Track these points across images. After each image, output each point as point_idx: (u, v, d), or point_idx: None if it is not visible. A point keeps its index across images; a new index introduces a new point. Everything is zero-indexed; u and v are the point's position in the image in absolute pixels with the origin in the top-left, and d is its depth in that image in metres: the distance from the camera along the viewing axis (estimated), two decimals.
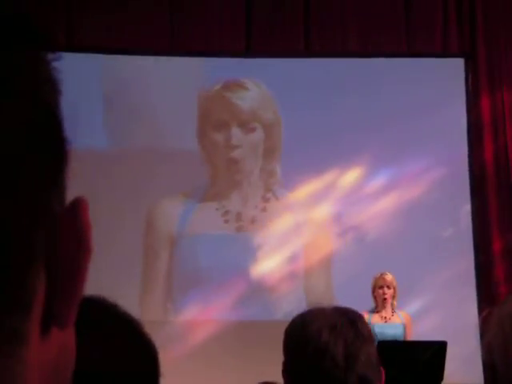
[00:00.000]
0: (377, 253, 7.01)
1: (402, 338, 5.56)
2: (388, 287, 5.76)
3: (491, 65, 7.63)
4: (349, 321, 1.65)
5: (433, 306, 7.08)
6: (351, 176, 7.40)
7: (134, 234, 7.06)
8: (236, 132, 7.41)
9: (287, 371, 1.68)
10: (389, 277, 5.80)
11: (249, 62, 7.60)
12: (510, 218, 7.35)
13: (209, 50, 7.47)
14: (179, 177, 7.21)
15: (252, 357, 6.71)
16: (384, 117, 7.33)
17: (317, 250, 7.23)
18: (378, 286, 5.79)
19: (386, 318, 5.64)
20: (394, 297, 5.80)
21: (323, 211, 7.31)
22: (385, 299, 5.74)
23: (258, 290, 7.10)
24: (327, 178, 7.36)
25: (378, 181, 7.39)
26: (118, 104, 7.29)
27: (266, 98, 7.49)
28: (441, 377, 4.86)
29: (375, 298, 5.80)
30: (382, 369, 1.67)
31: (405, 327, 5.74)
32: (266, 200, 7.38)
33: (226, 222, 7.29)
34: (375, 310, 5.73)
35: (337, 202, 7.35)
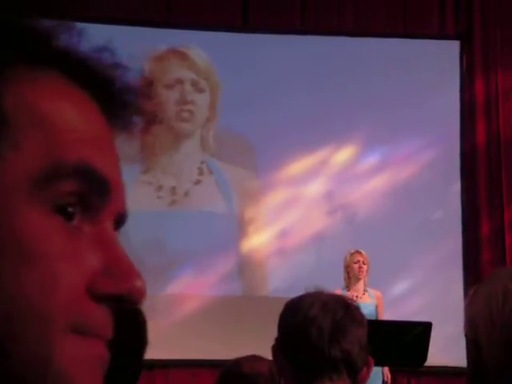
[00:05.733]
0: (365, 232, 7.02)
1: (373, 318, 5.50)
2: (363, 263, 5.76)
3: (486, 48, 7.62)
4: (342, 302, 1.70)
5: (420, 287, 7.11)
6: (343, 155, 7.39)
7: None
8: (189, 88, 7.34)
9: (278, 345, 1.70)
10: (364, 253, 5.81)
11: (245, 37, 7.56)
12: (499, 200, 7.36)
13: (206, 25, 7.42)
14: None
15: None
16: (378, 96, 7.31)
17: (306, 228, 7.23)
18: (354, 261, 5.78)
19: (356, 296, 5.56)
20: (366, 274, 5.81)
21: (314, 189, 7.30)
22: (360, 272, 5.73)
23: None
24: (319, 156, 7.35)
25: (370, 161, 7.39)
26: None
27: (211, 66, 7.40)
28: (424, 357, 4.88)
29: (348, 274, 5.79)
30: (371, 358, 1.68)
31: (376, 307, 5.73)
32: (201, 172, 7.26)
33: (159, 198, 7.15)
34: (347, 289, 5.70)
35: (328, 180, 7.34)
